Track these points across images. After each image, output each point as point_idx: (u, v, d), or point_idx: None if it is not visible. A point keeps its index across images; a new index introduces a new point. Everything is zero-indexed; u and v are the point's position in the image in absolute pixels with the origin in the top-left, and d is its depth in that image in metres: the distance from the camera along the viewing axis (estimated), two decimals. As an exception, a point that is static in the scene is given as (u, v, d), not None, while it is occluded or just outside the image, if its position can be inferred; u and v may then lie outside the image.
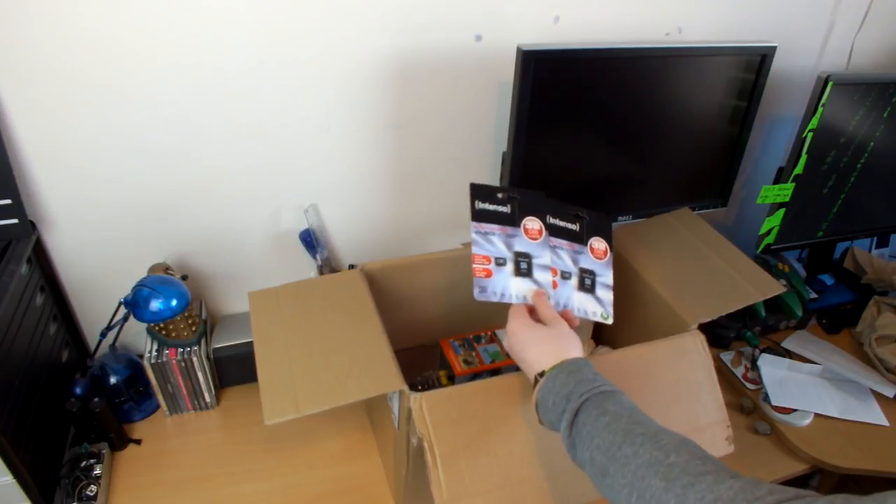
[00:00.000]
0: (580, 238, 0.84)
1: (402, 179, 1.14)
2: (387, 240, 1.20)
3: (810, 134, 1.12)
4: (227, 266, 1.12)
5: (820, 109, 1.10)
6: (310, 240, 1.10)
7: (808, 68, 1.31)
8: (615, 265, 0.86)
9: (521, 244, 0.79)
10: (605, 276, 0.84)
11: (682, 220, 1.09)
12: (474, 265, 0.77)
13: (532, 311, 0.75)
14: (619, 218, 1.18)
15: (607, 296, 0.83)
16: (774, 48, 1.09)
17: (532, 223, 0.81)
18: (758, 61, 1.10)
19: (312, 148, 1.05)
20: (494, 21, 1.03)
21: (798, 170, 1.15)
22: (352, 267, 1.17)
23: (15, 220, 0.89)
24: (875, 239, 1.46)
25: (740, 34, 1.19)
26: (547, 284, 0.79)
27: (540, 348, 0.70)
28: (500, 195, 0.80)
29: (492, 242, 0.78)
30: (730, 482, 0.49)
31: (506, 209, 0.80)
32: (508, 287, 0.77)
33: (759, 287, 0.93)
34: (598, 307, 0.82)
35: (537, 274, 0.79)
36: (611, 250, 0.85)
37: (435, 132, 1.11)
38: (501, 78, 1.08)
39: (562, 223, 0.83)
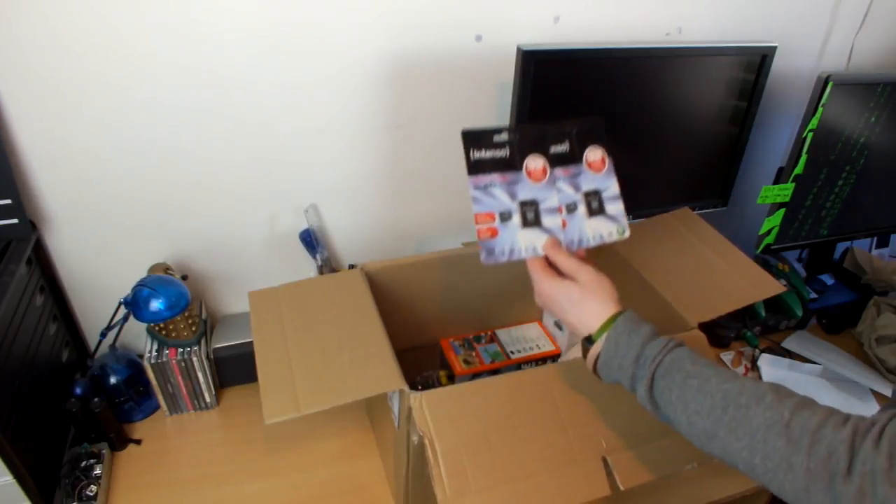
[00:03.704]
0: (573, 157, 0.76)
1: (402, 179, 1.14)
2: (387, 240, 1.20)
3: (810, 134, 1.12)
4: (227, 266, 1.12)
5: (820, 109, 1.10)
6: (310, 240, 1.10)
7: (808, 68, 1.31)
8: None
9: (526, 190, 0.73)
10: (610, 189, 0.76)
11: (682, 220, 1.09)
12: (477, 226, 0.71)
13: (550, 263, 0.73)
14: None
15: (617, 208, 0.76)
16: (774, 48, 1.09)
17: (534, 162, 0.73)
18: (758, 61, 1.10)
19: (312, 148, 1.05)
20: (494, 21, 1.03)
21: (798, 170, 1.15)
22: (352, 267, 1.17)
23: (15, 220, 0.89)
24: (875, 239, 1.46)
25: (740, 34, 1.19)
26: (557, 228, 0.74)
27: (580, 311, 0.69)
28: (496, 137, 0.72)
29: (493, 196, 0.72)
30: (845, 428, 0.51)
31: (504, 153, 0.72)
32: (517, 242, 0.72)
33: (759, 287, 0.93)
34: (612, 225, 0.76)
35: (546, 220, 0.73)
36: (608, 156, 0.77)
37: (435, 132, 1.11)
38: (501, 78, 1.08)
39: (555, 149, 0.75)
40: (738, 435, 0.57)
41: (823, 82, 1.07)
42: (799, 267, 1.36)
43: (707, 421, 0.59)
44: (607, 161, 0.77)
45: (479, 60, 1.06)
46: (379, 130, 1.07)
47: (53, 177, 0.93)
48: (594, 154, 0.76)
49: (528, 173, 0.73)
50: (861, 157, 1.21)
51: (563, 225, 0.74)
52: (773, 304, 1.22)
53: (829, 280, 1.40)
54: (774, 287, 0.92)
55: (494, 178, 0.72)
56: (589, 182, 0.76)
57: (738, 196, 1.28)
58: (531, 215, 0.73)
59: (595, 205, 0.76)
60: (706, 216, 1.10)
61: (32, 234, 0.92)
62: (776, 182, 1.21)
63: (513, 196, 0.72)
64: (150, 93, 0.91)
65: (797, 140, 1.13)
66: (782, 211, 1.20)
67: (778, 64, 1.11)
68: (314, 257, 1.11)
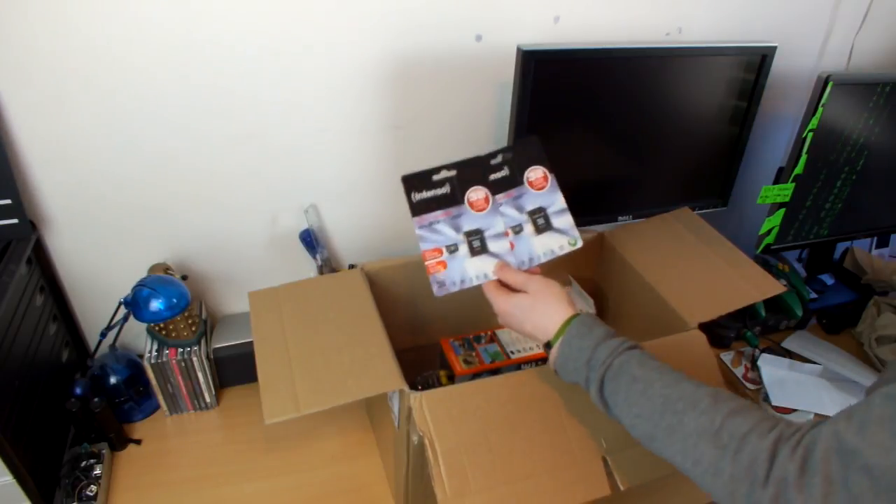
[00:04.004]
0: (514, 180, 0.78)
1: (402, 179, 1.14)
2: (387, 240, 1.20)
3: (810, 134, 1.12)
4: (227, 266, 1.12)
5: (820, 109, 1.10)
6: (310, 240, 1.10)
7: (808, 68, 1.31)
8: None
9: (470, 221, 0.76)
10: (555, 204, 0.78)
11: (682, 220, 1.09)
12: (426, 263, 0.74)
13: (504, 283, 0.75)
14: (619, 218, 1.18)
15: (565, 221, 0.78)
16: (774, 48, 1.09)
17: (476, 193, 0.76)
18: (758, 61, 1.10)
19: (312, 148, 1.05)
20: (494, 21, 1.03)
21: (798, 170, 1.15)
22: (352, 267, 1.17)
23: (15, 220, 0.89)
24: (875, 239, 1.46)
25: (740, 34, 1.19)
26: (504, 252, 0.76)
27: (535, 318, 0.71)
28: (435, 177, 0.75)
29: (439, 232, 0.75)
30: (770, 435, 0.53)
31: (445, 190, 0.75)
32: (466, 271, 0.75)
33: (759, 287, 0.93)
34: (562, 238, 0.77)
35: (492, 246, 0.75)
36: (549, 171, 0.78)
37: (435, 132, 1.11)
38: (501, 78, 1.08)
39: (494, 176, 0.77)
40: (673, 439, 0.59)
41: (823, 82, 1.07)
42: (799, 267, 1.36)
43: (648, 424, 0.61)
44: (549, 178, 0.78)
45: (479, 60, 1.06)
46: (379, 130, 1.07)
47: (53, 177, 0.93)
48: (535, 173, 0.78)
49: (471, 204, 0.76)
50: (861, 157, 1.21)
51: (511, 247, 0.76)
52: (773, 304, 1.22)
53: (829, 280, 1.40)
54: (774, 287, 0.93)
55: (438, 215, 0.75)
56: (533, 201, 0.78)
57: (738, 196, 1.28)
58: (477, 244, 0.75)
59: (541, 222, 0.78)
60: (706, 216, 1.10)
61: (32, 234, 0.93)
62: (776, 182, 1.21)
63: (457, 229, 0.75)
64: (150, 93, 0.91)
65: (797, 140, 1.13)
66: (782, 211, 1.20)
67: (778, 64, 1.11)
68: (314, 257, 1.11)
